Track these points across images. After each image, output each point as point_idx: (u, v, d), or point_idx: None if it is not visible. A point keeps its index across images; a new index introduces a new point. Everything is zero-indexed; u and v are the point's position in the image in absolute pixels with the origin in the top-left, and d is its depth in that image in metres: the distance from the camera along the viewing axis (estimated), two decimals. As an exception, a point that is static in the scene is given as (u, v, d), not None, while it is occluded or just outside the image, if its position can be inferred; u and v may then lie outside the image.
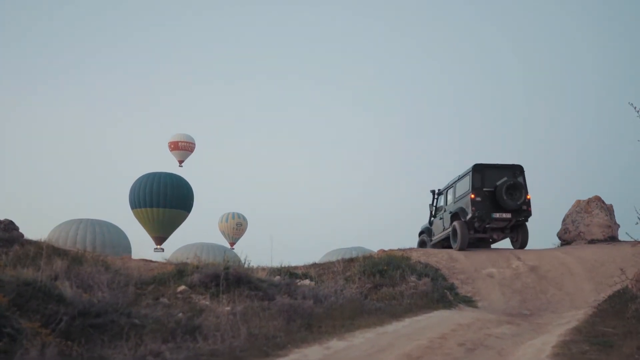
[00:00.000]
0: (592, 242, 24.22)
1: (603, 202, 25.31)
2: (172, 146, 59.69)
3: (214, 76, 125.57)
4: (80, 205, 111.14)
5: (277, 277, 18.71)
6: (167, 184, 52.57)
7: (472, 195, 20.51)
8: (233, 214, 60.58)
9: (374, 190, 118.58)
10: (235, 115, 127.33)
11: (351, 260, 20.00)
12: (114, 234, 45.92)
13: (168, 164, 58.86)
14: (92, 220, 45.68)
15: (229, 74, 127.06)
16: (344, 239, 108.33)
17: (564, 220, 25.67)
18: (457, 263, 21.40)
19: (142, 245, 55.60)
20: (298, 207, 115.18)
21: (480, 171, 20.96)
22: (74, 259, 14.22)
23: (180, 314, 11.59)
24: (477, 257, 22.09)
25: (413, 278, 16.93)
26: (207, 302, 12.51)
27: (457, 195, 21.90)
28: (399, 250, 23.76)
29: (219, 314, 11.50)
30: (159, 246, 54.88)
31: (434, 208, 23.32)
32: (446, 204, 22.51)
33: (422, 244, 23.80)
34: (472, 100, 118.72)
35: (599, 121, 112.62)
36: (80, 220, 45.32)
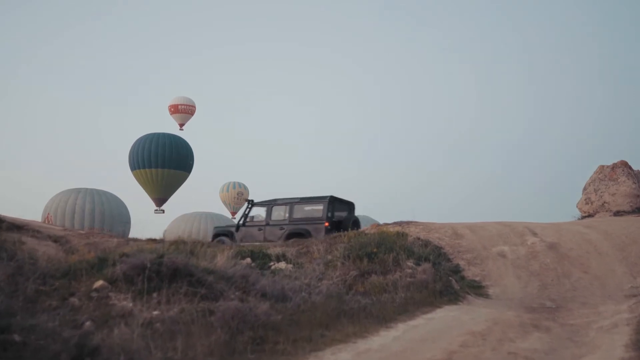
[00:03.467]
0: (618, 214, 21.18)
1: (630, 167, 22.16)
2: (172, 109, 57.90)
3: (214, 38, 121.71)
4: (79, 172, 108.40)
5: (247, 260, 15.65)
6: (166, 144, 51.13)
7: (327, 224, 22.00)
8: (234, 183, 59.51)
9: (385, 158, 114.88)
10: (237, 81, 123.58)
11: (335, 238, 16.76)
12: (114, 204, 44.73)
13: (169, 129, 57.08)
14: (91, 189, 44.32)
15: (231, 37, 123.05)
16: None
17: (584, 188, 22.61)
18: (463, 240, 18.46)
19: (141, 207, 55.09)
20: (303, 174, 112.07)
21: (332, 202, 22.58)
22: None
23: (88, 323, 8.35)
24: (485, 233, 19.12)
25: (410, 263, 13.66)
26: (130, 304, 9.18)
27: (296, 217, 23.06)
28: (396, 224, 20.68)
29: (138, 324, 8.20)
30: (159, 208, 53.59)
31: (245, 216, 24.43)
32: (270, 218, 23.68)
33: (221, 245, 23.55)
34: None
35: (624, 76, 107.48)
36: (79, 190, 43.85)
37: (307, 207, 23.24)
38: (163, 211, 53.39)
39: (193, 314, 8.74)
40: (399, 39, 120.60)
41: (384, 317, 10.10)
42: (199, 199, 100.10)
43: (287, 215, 23.22)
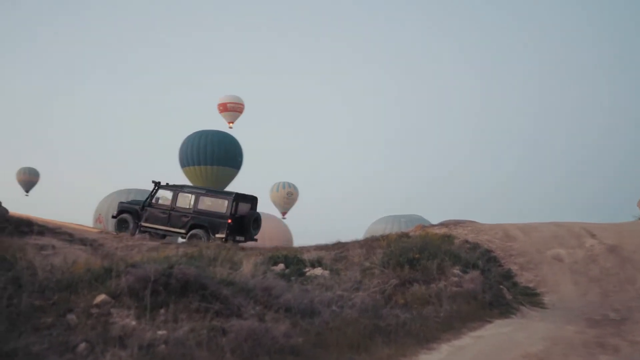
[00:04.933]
0: (684, 212, 19.53)
1: (697, 162, 20.52)
2: (221, 108, 57.63)
3: (264, 36, 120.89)
4: (130, 173, 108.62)
5: (280, 266, 14.53)
6: (215, 141, 50.90)
7: (230, 220, 23.03)
8: (284, 183, 59.11)
9: (441, 156, 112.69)
10: (288, 80, 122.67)
11: (376, 240, 15.51)
12: None
13: (218, 127, 56.73)
14: (141, 190, 42.63)
15: (281, 37, 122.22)
16: (402, 204, 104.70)
17: (646, 185, 20.99)
18: (515, 242, 17.16)
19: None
20: (353, 171, 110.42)
21: (236, 200, 23.60)
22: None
23: (82, 345, 7.25)
24: (539, 234, 17.83)
25: (456, 270, 12.24)
26: (133, 322, 8.01)
27: (200, 208, 23.92)
28: (442, 225, 19.38)
29: (137, 346, 7.06)
30: None
31: (151, 197, 25.14)
32: (175, 204, 24.51)
33: (123, 223, 24.96)
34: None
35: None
36: (129, 190, 43.57)
37: (212, 201, 24.19)
38: None
39: (203, 335, 7.57)
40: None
41: (425, 336, 8.80)
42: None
43: (192, 204, 24.02)
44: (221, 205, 23.75)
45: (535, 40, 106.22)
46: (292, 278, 13.42)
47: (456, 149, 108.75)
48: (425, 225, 21.22)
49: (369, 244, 15.91)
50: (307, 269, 14.13)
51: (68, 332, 7.75)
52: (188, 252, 13.08)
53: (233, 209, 23.24)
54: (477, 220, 21.31)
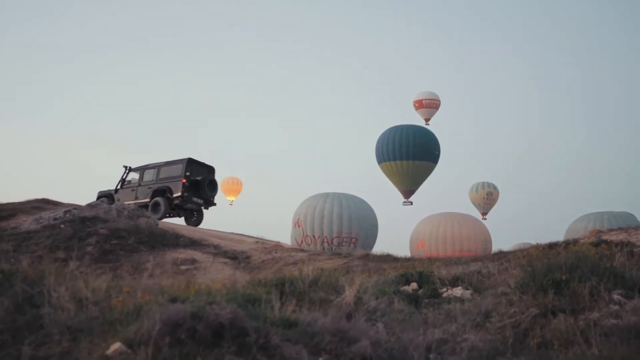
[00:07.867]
0: None
1: None
2: (416, 105, 59.48)
3: (463, 32, 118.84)
4: (324, 175, 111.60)
5: (412, 286, 12.31)
6: (410, 136, 52.39)
7: (184, 180, 27.24)
8: (483, 183, 58.59)
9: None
10: (484, 74, 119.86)
11: (513, 257, 12.94)
12: (360, 207, 45.18)
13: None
14: (338, 194, 45.57)
15: (480, 32, 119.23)
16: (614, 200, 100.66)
17: None
18: None
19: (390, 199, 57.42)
20: (556, 167, 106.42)
21: (191, 164, 27.91)
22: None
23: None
24: None
25: (616, 295, 9.27)
26: (144, 384, 6.03)
27: (161, 177, 28.28)
28: (621, 230, 16.32)
29: None
30: (407, 200, 55.57)
31: (122, 180, 29.38)
32: (142, 180, 28.92)
33: None
34: None
35: None
36: (327, 194, 45.31)
37: (170, 169, 28.25)
38: (411, 203, 54.97)
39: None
40: None
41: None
42: (445, 198, 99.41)
43: (155, 177, 28.40)
44: (177, 169, 27.94)
45: None
46: (425, 301, 11.28)
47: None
48: (601, 230, 18.07)
49: (502, 264, 13.35)
50: (444, 289, 11.93)
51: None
52: (285, 273, 11.01)
53: (187, 171, 27.53)
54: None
